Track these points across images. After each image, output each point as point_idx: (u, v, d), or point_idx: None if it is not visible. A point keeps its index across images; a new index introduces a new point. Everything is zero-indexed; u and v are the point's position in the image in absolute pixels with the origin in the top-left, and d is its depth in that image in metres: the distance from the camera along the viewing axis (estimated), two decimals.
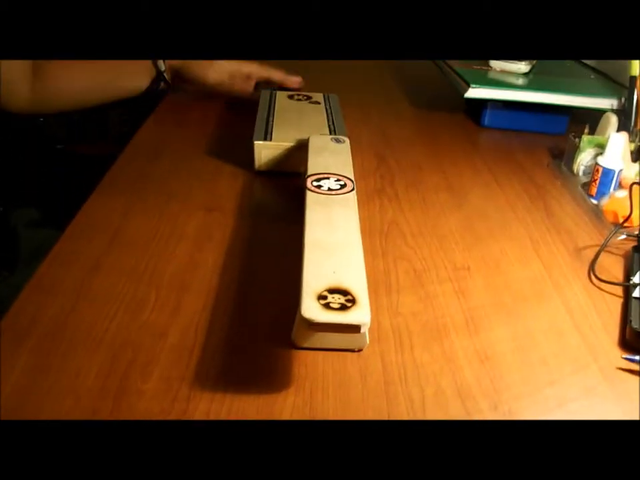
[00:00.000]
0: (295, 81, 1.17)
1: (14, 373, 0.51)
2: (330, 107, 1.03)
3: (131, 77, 1.01)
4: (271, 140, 0.86)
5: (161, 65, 1.02)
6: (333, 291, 0.51)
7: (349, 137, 0.83)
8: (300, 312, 0.49)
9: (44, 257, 0.66)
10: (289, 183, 0.86)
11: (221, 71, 1.07)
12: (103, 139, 1.58)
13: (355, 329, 0.49)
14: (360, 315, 0.49)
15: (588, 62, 1.33)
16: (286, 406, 0.50)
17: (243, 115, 1.00)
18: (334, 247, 0.57)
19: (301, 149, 0.83)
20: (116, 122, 1.66)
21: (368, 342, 0.57)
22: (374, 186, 0.87)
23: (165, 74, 1.03)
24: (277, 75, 1.14)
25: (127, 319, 0.59)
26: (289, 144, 0.86)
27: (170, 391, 0.51)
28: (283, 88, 1.15)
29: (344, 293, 0.51)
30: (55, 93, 1.02)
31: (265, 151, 0.86)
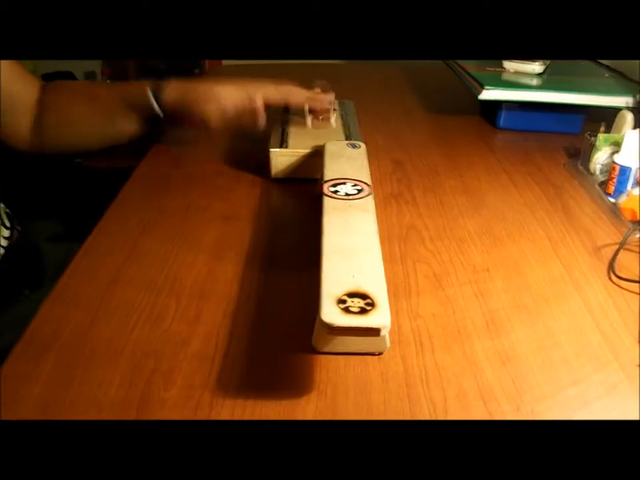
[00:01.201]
0: (322, 101, 0.96)
1: (37, 385, 0.52)
2: (345, 113, 1.03)
3: (125, 122, 0.93)
4: (286, 147, 0.86)
5: (158, 110, 0.90)
6: (352, 295, 0.51)
7: (365, 143, 0.83)
8: (320, 317, 0.49)
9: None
10: (305, 189, 0.86)
11: (224, 104, 0.89)
12: (120, 152, 1.59)
13: (374, 332, 0.49)
14: (380, 318, 0.49)
15: (602, 60, 1.33)
16: (308, 411, 0.51)
17: None
18: (352, 251, 0.57)
19: (316, 156, 0.83)
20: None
21: (389, 345, 0.57)
22: (391, 190, 0.87)
23: (160, 118, 0.91)
24: (297, 96, 0.93)
25: (147, 329, 0.59)
26: (304, 151, 0.86)
27: (192, 399, 0.51)
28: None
29: (363, 296, 0.51)
30: (52, 141, 0.98)
31: (280, 159, 0.86)
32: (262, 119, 0.89)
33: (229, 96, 0.89)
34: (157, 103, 0.89)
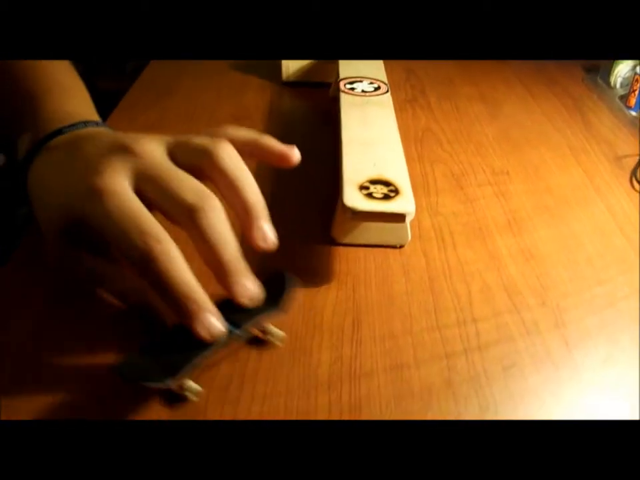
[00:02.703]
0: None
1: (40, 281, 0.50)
2: None
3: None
4: None
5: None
6: (374, 182, 0.49)
7: None
8: (342, 202, 0.47)
9: None
10: (317, 93, 0.83)
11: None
12: (120, 74, 1.55)
13: (399, 217, 0.47)
14: (404, 203, 0.47)
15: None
16: (328, 300, 0.49)
17: None
18: (372, 142, 0.55)
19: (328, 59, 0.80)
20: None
21: (410, 238, 0.55)
22: (405, 96, 0.84)
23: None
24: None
25: (162, 223, 0.57)
26: None
27: (208, 287, 0.49)
28: None
29: (386, 183, 0.49)
30: None
31: (292, 62, 0.83)
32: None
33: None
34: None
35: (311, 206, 0.60)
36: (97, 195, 0.39)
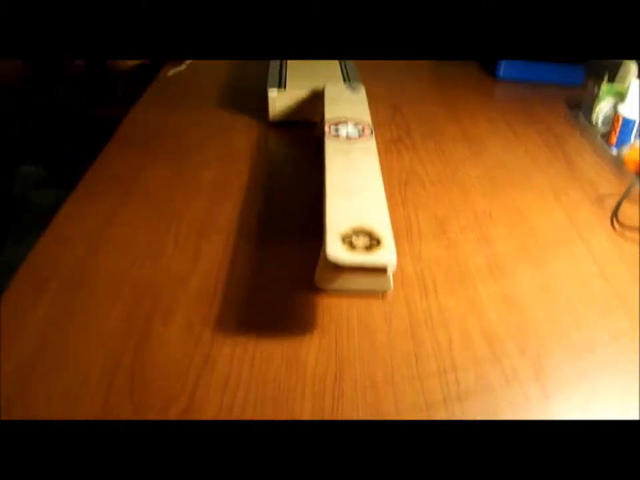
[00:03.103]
0: None
1: (35, 317, 0.51)
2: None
3: None
4: (285, 89, 0.84)
5: None
6: (357, 232, 0.50)
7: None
8: (325, 254, 0.48)
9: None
10: (303, 132, 0.84)
11: None
12: (111, 101, 1.55)
13: (380, 270, 0.48)
14: (386, 255, 0.48)
15: None
16: (311, 348, 0.50)
17: (254, 67, 0.98)
18: (356, 190, 0.56)
19: (315, 98, 0.82)
20: (125, 81, 1.64)
21: (392, 285, 0.56)
22: (390, 136, 0.86)
23: None
24: None
25: (146, 266, 0.58)
26: (303, 92, 0.84)
27: (192, 336, 0.50)
28: None
29: (368, 234, 0.50)
30: None
31: (279, 101, 0.84)
32: None
33: None
34: None
35: (295, 252, 0.61)
36: None
